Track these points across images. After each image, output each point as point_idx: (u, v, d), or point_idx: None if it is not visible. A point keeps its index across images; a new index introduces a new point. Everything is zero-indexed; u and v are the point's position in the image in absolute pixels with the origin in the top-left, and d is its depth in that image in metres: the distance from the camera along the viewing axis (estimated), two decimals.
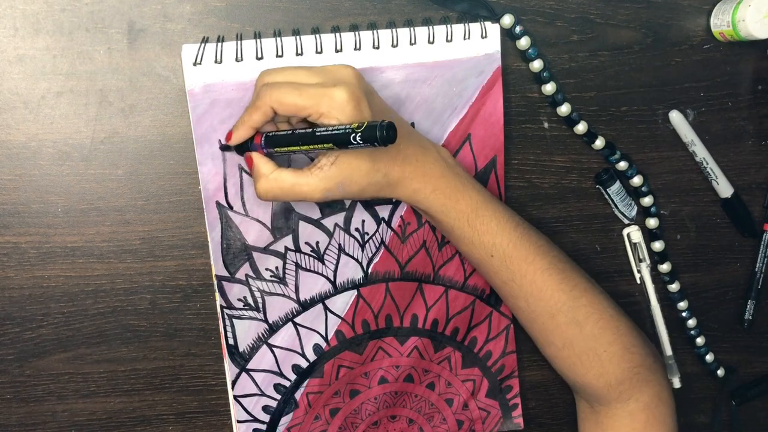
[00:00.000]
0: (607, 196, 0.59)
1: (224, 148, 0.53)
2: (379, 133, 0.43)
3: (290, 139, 0.47)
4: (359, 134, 0.43)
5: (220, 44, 0.52)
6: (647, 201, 0.60)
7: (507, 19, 0.55)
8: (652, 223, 0.61)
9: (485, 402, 0.63)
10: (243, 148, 0.51)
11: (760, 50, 0.59)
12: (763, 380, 0.67)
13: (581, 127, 0.57)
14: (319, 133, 0.45)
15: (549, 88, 0.56)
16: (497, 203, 0.54)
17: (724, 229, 0.63)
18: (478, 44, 0.55)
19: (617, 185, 0.59)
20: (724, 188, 0.61)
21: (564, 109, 0.57)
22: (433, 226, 0.57)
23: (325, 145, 0.45)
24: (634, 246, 0.61)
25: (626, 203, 0.60)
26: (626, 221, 0.61)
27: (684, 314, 0.63)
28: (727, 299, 0.65)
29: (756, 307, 0.64)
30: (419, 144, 0.52)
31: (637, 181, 0.59)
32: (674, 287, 0.62)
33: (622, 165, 0.59)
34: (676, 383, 0.64)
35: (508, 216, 0.53)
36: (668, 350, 0.63)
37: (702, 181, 0.62)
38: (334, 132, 0.45)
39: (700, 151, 0.60)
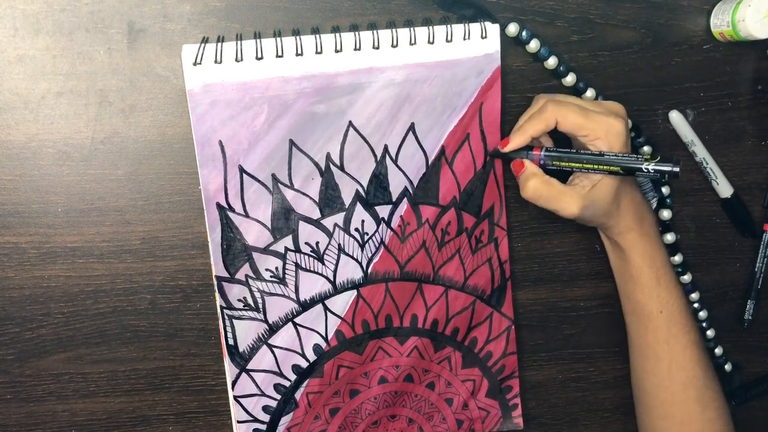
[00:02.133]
0: None
1: (495, 154, 0.56)
2: (672, 166, 0.50)
3: (575, 157, 0.52)
4: (653, 164, 0.50)
5: (220, 44, 0.52)
6: (664, 191, 0.60)
7: (512, 28, 0.55)
8: (665, 215, 0.61)
9: (485, 402, 0.63)
10: (506, 156, 0.55)
11: (760, 50, 0.59)
12: (763, 380, 0.67)
13: None
14: (608, 157, 0.51)
15: (569, 79, 0.56)
16: (673, 269, 0.58)
17: (724, 229, 0.63)
18: (477, 44, 0.55)
19: (643, 177, 0.59)
20: (724, 188, 0.61)
21: (589, 95, 0.57)
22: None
23: (606, 167, 0.51)
24: None
25: (647, 197, 0.60)
26: None
27: (696, 305, 0.63)
28: (727, 299, 0.65)
29: (756, 307, 0.64)
30: (640, 190, 0.57)
31: None
32: (686, 278, 0.63)
33: (646, 150, 0.59)
34: None
35: (679, 285, 0.58)
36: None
37: (702, 181, 0.62)
38: (624, 158, 0.50)
39: (700, 151, 0.60)
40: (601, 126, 0.51)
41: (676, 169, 0.49)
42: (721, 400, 0.58)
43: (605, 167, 0.51)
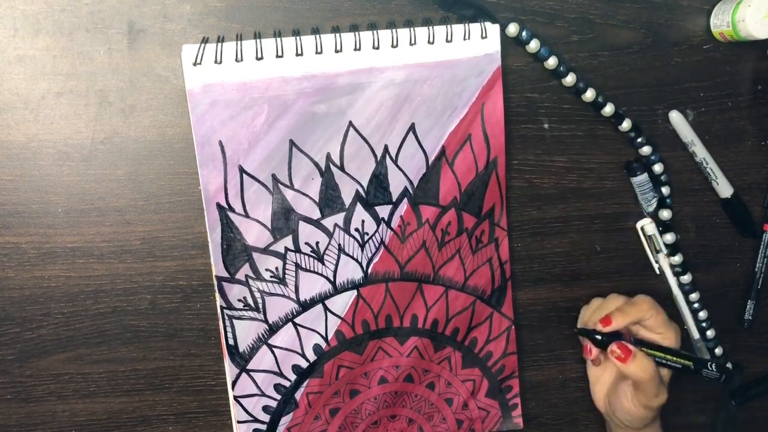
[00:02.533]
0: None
1: (583, 332, 0.58)
2: (728, 378, 0.61)
3: (664, 349, 0.59)
4: (720, 373, 0.61)
5: (220, 44, 0.52)
6: (665, 191, 0.60)
7: (512, 28, 0.55)
8: (665, 215, 0.61)
9: (485, 402, 0.63)
10: (598, 340, 0.58)
11: (760, 50, 0.59)
12: (763, 380, 0.67)
13: (608, 109, 0.57)
14: (686, 354, 0.59)
15: (569, 79, 0.56)
16: None
17: (724, 229, 0.63)
18: (478, 44, 0.55)
19: (644, 177, 0.59)
20: (724, 188, 0.61)
21: (589, 95, 0.57)
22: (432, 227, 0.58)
23: (683, 361, 0.59)
24: (648, 238, 0.61)
25: (647, 197, 0.60)
26: (644, 214, 0.61)
27: (696, 305, 0.64)
28: (727, 299, 0.65)
29: (756, 307, 0.64)
30: None
31: (658, 168, 0.60)
32: (686, 278, 0.63)
33: (646, 150, 0.59)
34: None
35: None
36: (695, 334, 0.64)
37: (702, 181, 0.62)
38: (699, 359, 0.60)
39: (700, 151, 0.60)
40: (673, 329, 0.59)
41: (731, 383, 0.62)
42: None
43: (682, 360, 0.59)
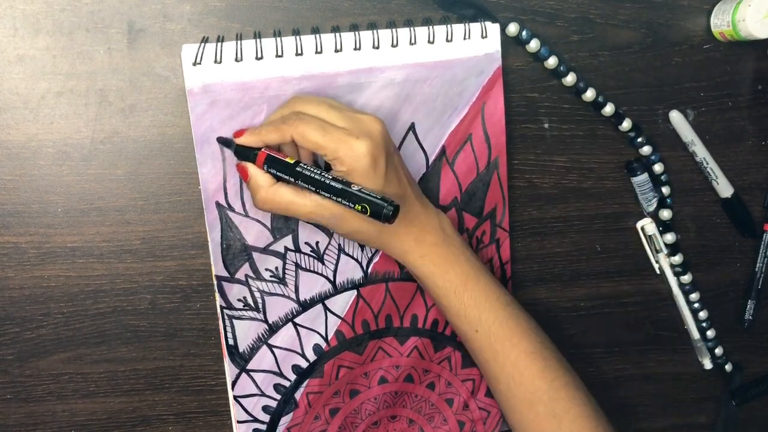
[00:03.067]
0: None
1: (224, 142, 0.52)
2: (384, 212, 0.45)
3: (296, 174, 0.48)
4: (364, 208, 0.46)
5: (219, 44, 0.52)
6: (665, 191, 0.60)
7: (512, 28, 0.55)
8: (665, 214, 0.61)
9: (485, 402, 0.63)
10: (241, 153, 0.51)
11: (760, 50, 0.59)
12: (763, 380, 0.67)
13: (608, 109, 0.58)
14: (329, 183, 0.47)
15: (569, 79, 0.56)
16: (489, 279, 0.53)
17: (724, 229, 0.63)
18: (478, 44, 0.55)
19: (644, 177, 0.59)
20: (724, 188, 0.61)
21: (589, 95, 0.57)
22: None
23: (326, 194, 0.47)
24: (648, 238, 0.61)
25: (647, 197, 0.60)
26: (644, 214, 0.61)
27: (696, 305, 0.64)
28: (727, 299, 0.65)
29: (756, 307, 0.64)
30: (421, 208, 0.52)
31: (658, 168, 0.60)
32: (686, 278, 0.63)
33: (646, 150, 0.59)
34: (707, 365, 0.65)
35: (498, 293, 0.53)
36: (695, 334, 0.64)
37: (702, 181, 0.62)
38: (343, 190, 0.47)
39: (700, 151, 0.60)
40: (341, 147, 0.47)
41: (388, 218, 0.46)
42: (578, 405, 0.52)
43: (323, 193, 0.48)
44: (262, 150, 0.50)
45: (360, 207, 0.46)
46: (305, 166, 0.48)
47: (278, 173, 0.49)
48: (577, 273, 0.62)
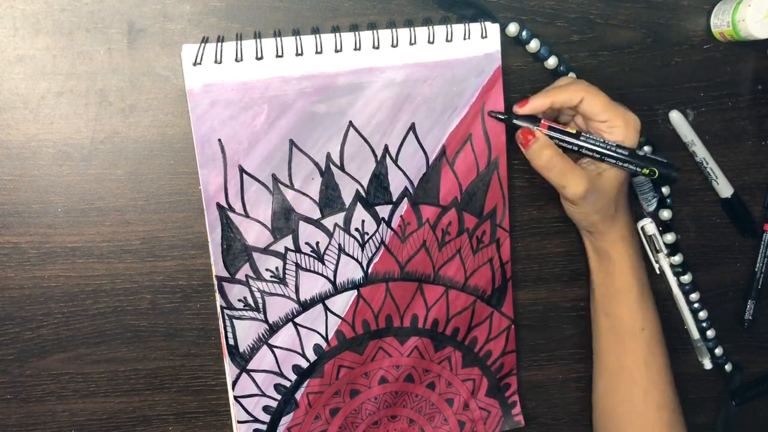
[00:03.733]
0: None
1: (503, 117, 0.54)
2: (674, 175, 0.53)
3: (580, 141, 0.52)
4: (652, 171, 0.52)
5: (219, 44, 0.52)
6: (665, 191, 0.60)
7: (512, 28, 0.55)
8: (665, 215, 0.61)
9: (485, 401, 0.63)
10: (515, 126, 0.54)
11: (760, 50, 0.59)
12: (763, 380, 0.67)
13: None
14: (615, 148, 0.52)
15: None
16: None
17: (724, 229, 0.63)
18: (478, 44, 0.55)
19: (644, 177, 0.59)
20: (724, 188, 0.61)
21: None
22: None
23: (612, 154, 0.52)
24: (648, 238, 0.61)
25: (647, 197, 0.60)
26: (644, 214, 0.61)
27: (696, 305, 0.64)
28: (727, 299, 0.65)
29: (756, 307, 0.64)
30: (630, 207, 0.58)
31: None
32: (686, 278, 0.63)
33: (646, 150, 0.59)
34: (707, 365, 0.65)
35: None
36: (695, 334, 0.64)
37: (702, 181, 0.62)
38: (633, 153, 0.52)
39: (700, 151, 0.60)
40: (622, 115, 0.52)
41: (675, 175, 0.52)
42: (685, 428, 0.58)
43: (612, 154, 0.52)
44: (543, 121, 0.53)
45: (648, 170, 0.52)
46: (588, 136, 0.52)
47: (561, 141, 0.53)
48: (577, 273, 0.62)
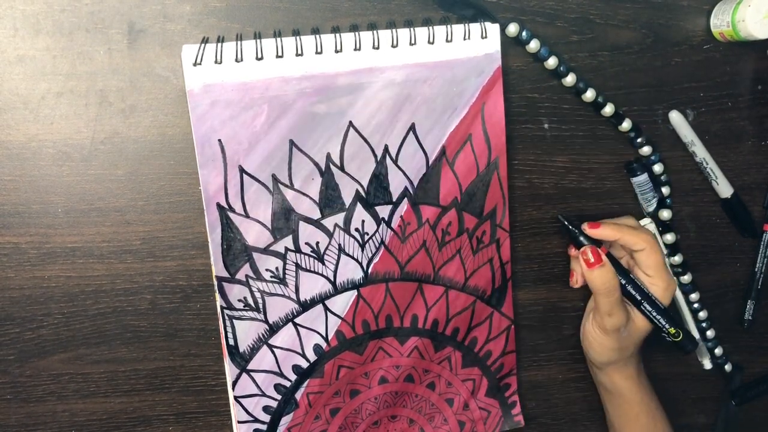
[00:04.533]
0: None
1: (575, 231, 0.58)
2: (690, 347, 0.58)
3: (628, 279, 0.57)
4: (678, 332, 0.57)
5: (220, 44, 0.52)
6: (665, 191, 0.60)
7: (512, 28, 0.55)
8: (665, 215, 0.61)
9: (485, 401, 0.63)
10: (581, 243, 0.58)
11: (760, 50, 0.59)
12: (763, 380, 0.67)
13: (608, 109, 0.58)
14: (654, 299, 0.57)
15: (569, 79, 0.56)
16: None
17: (724, 229, 0.63)
18: (478, 44, 0.55)
19: (644, 177, 0.59)
20: (724, 188, 0.61)
21: (589, 95, 0.57)
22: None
23: (647, 307, 0.57)
24: None
25: (647, 197, 0.60)
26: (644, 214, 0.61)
27: (696, 305, 0.64)
28: (727, 299, 0.65)
29: (756, 307, 0.64)
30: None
31: (658, 168, 0.60)
32: (686, 279, 0.63)
33: (646, 150, 0.59)
34: (707, 365, 0.65)
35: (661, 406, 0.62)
36: (695, 334, 0.64)
37: (702, 181, 0.62)
38: (666, 310, 0.57)
39: (700, 151, 0.60)
40: (666, 279, 0.57)
41: (691, 347, 0.58)
42: None
43: (651, 309, 0.57)
44: (603, 246, 0.57)
45: (674, 330, 0.57)
46: (635, 277, 0.57)
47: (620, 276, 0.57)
48: None
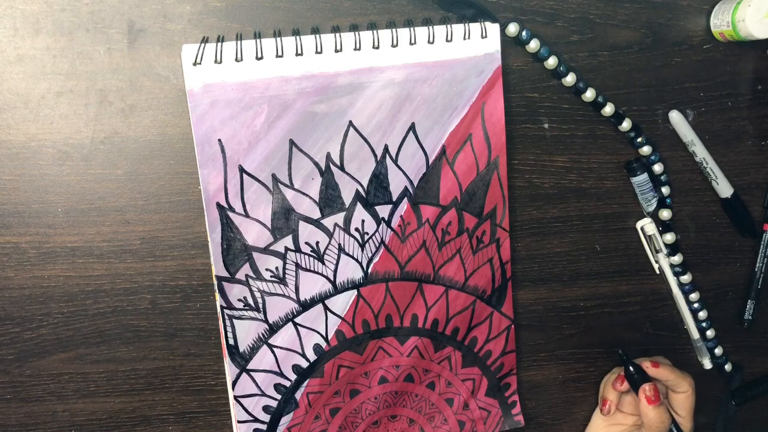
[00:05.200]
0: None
1: (637, 376, 0.59)
2: None
3: (674, 423, 0.60)
4: None
5: (219, 44, 0.52)
6: (665, 191, 0.60)
7: (512, 28, 0.55)
8: (665, 215, 0.61)
9: (485, 401, 0.63)
10: (634, 378, 0.60)
11: (760, 50, 0.59)
12: (763, 380, 0.67)
13: (608, 109, 0.58)
14: None
15: (569, 79, 0.56)
16: None
17: (724, 229, 0.63)
18: (478, 44, 0.55)
19: (644, 177, 0.59)
20: (724, 188, 0.61)
21: (589, 95, 0.57)
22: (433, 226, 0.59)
23: None
24: (648, 238, 0.61)
25: (647, 197, 0.60)
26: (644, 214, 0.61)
27: (696, 305, 0.64)
28: (727, 299, 0.65)
29: (756, 307, 0.64)
30: None
31: (658, 168, 0.60)
32: (686, 278, 0.63)
33: (646, 150, 0.59)
34: (707, 365, 0.65)
35: None
36: (695, 334, 0.64)
37: (702, 181, 0.62)
38: None
39: (700, 151, 0.60)
40: (690, 417, 0.60)
41: None
42: None
43: None
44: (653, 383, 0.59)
45: None
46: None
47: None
48: (577, 273, 0.62)
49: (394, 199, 0.57)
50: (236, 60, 0.52)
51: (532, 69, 0.57)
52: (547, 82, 0.58)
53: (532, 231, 0.61)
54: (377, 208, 0.57)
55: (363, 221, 0.57)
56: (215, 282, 0.56)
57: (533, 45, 0.55)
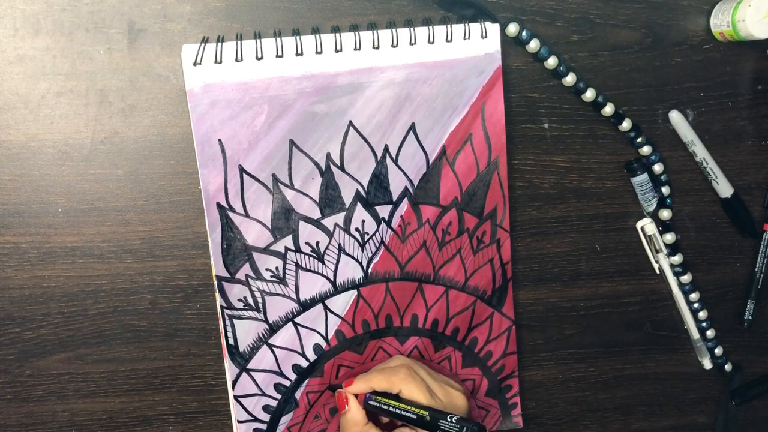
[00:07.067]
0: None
1: (330, 387, 0.58)
2: (471, 428, 0.50)
3: (397, 416, 0.53)
4: (460, 426, 0.50)
5: (220, 44, 0.52)
6: (665, 191, 0.60)
7: (512, 28, 0.55)
8: (665, 215, 0.61)
9: (485, 401, 0.63)
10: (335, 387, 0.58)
11: (760, 50, 0.59)
12: (763, 380, 0.67)
13: (608, 109, 0.58)
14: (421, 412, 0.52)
15: (569, 79, 0.56)
16: None
17: (724, 229, 0.63)
18: (478, 44, 0.55)
19: (644, 177, 0.59)
20: (724, 188, 0.61)
21: (589, 95, 0.57)
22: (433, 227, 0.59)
23: (417, 411, 0.52)
24: (648, 238, 0.61)
25: (647, 197, 0.60)
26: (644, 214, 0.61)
27: (696, 305, 0.64)
28: (727, 299, 0.65)
29: (756, 307, 0.64)
30: None
31: (658, 168, 0.60)
32: (686, 278, 0.63)
33: (646, 150, 0.59)
34: (707, 365, 0.65)
35: None
36: (695, 334, 0.64)
37: (702, 181, 0.62)
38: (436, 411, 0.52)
39: (700, 151, 0.60)
40: (442, 397, 0.54)
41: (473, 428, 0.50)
42: None
43: (415, 410, 0.52)
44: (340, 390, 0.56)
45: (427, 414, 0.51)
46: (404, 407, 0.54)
47: (378, 411, 0.54)
48: (577, 273, 0.62)
49: (394, 199, 0.57)
50: (236, 60, 0.52)
51: (532, 69, 0.57)
52: (547, 82, 0.58)
53: (532, 231, 0.61)
54: (377, 208, 0.57)
55: (363, 221, 0.57)
56: (215, 282, 0.56)
57: (533, 45, 0.55)
